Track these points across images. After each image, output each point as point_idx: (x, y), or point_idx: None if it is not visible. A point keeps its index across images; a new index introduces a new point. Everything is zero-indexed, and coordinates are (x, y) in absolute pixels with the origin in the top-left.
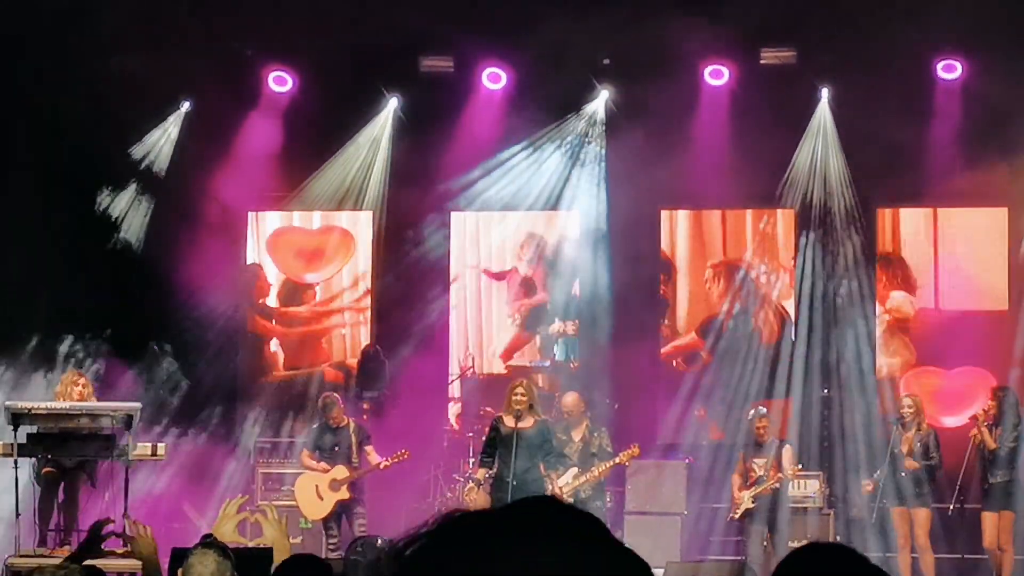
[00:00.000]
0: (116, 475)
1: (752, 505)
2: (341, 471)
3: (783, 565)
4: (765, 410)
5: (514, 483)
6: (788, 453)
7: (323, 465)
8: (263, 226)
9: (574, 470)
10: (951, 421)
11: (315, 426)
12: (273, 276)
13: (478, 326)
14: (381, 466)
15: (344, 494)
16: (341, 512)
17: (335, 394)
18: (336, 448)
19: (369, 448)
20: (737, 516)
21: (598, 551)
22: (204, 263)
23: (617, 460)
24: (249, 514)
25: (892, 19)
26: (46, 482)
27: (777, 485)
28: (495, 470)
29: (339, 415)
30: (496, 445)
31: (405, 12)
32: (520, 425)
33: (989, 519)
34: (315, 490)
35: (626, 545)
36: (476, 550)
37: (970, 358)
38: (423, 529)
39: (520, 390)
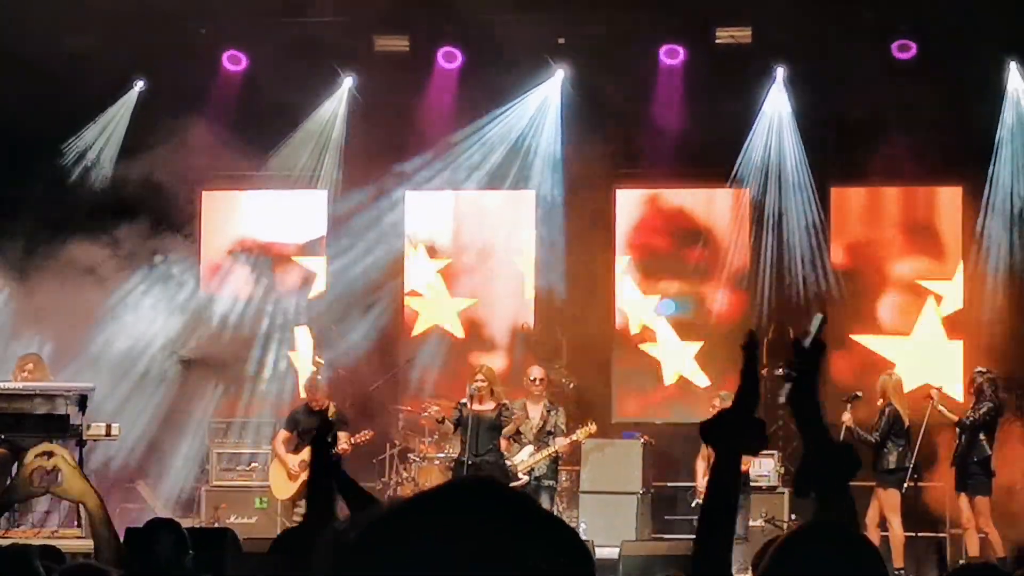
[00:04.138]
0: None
1: None
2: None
3: (785, 547)
4: (725, 395)
5: (470, 463)
6: None
7: (289, 456)
8: (216, 205)
9: (530, 448)
10: None
11: (298, 407)
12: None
13: (434, 306)
14: (340, 449)
15: None
16: None
17: (318, 376)
18: (314, 431)
19: (343, 434)
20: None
21: (529, 526)
22: (157, 242)
23: (574, 437)
24: (44, 459)
25: None
26: None
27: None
28: (456, 452)
29: (321, 398)
30: (459, 426)
31: None
32: (479, 408)
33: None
34: (286, 471)
35: (559, 518)
36: (412, 534)
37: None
38: (363, 516)
39: (480, 376)
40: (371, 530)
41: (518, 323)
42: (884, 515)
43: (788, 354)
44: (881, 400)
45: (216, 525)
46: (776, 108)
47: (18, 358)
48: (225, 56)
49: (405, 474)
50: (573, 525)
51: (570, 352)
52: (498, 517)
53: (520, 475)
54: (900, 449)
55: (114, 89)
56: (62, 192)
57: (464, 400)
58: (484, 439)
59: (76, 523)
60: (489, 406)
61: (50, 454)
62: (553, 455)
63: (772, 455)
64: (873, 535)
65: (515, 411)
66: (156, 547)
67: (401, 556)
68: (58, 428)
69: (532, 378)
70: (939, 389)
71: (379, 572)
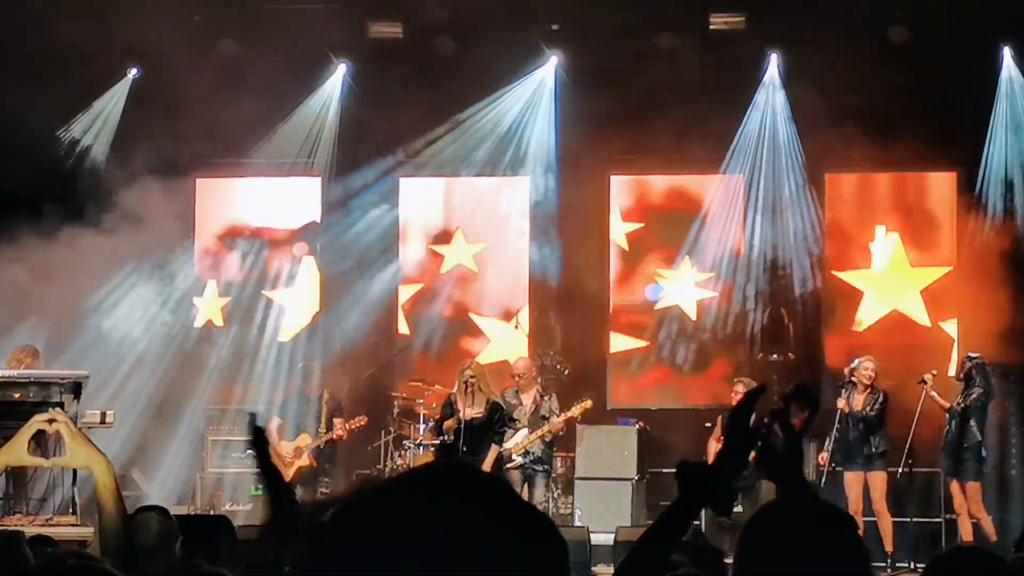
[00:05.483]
0: (65, 443)
1: None
2: (304, 438)
3: (754, 524)
4: (747, 380)
5: (464, 449)
6: None
7: (282, 443)
8: (210, 192)
9: (524, 431)
10: None
11: (292, 394)
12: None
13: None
14: (336, 435)
15: (306, 461)
16: (306, 478)
17: (315, 362)
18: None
19: (338, 420)
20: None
21: (503, 511)
22: (152, 230)
23: (570, 413)
24: (46, 424)
25: None
26: None
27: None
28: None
29: (315, 385)
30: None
31: None
32: (470, 413)
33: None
34: (281, 458)
35: (532, 504)
36: (384, 516)
37: (913, 323)
38: (338, 496)
39: (469, 371)
40: (344, 512)
41: (512, 309)
42: (873, 499)
43: (785, 348)
44: (872, 383)
45: (211, 512)
46: (770, 94)
47: (14, 349)
48: (219, 42)
49: (400, 461)
50: (568, 511)
51: (564, 338)
52: (472, 501)
53: (515, 457)
54: (888, 433)
55: (108, 76)
56: (56, 180)
57: (453, 391)
58: (477, 439)
59: (71, 510)
60: (479, 408)
61: (53, 421)
62: (547, 435)
63: None
64: (859, 520)
65: (508, 402)
66: (141, 533)
67: (373, 538)
68: None
69: (512, 374)
70: (934, 374)
71: (351, 554)
